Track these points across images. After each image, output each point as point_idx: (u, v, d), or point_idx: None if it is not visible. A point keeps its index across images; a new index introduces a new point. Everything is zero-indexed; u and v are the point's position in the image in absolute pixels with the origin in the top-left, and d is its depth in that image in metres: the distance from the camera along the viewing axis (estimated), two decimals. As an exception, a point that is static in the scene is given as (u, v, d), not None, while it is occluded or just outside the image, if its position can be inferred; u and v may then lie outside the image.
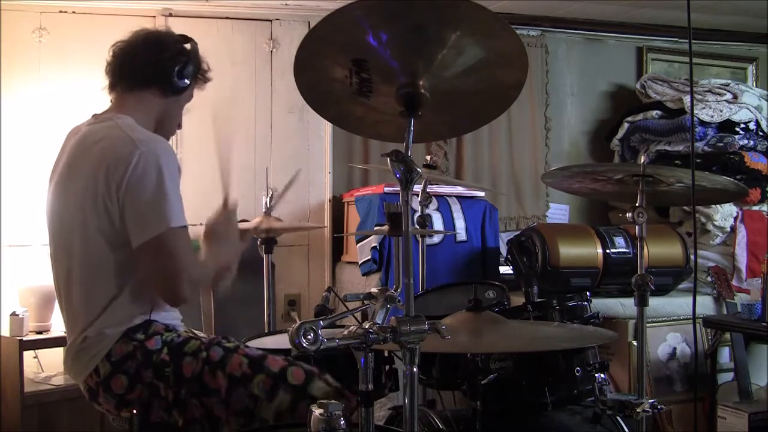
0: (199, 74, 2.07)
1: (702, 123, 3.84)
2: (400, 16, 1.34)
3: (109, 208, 1.81)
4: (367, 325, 1.21)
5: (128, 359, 1.82)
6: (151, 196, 1.79)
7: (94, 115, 2.00)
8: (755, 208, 3.88)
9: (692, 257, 3.44)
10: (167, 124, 2.07)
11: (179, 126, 2.12)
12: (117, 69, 1.99)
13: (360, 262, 3.54)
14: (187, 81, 2.01)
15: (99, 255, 1.85)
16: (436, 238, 3.48)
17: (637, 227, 2.06)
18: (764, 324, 3.09)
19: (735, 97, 3.97)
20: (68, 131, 2.05)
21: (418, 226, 2.67)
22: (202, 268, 1.94)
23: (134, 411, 1.82)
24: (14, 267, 3.27)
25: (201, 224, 2.14)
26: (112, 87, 2.00)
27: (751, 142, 3.89)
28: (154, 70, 1.97)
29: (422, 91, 1.40)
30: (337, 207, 3.94)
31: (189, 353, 1.84)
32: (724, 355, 3.48)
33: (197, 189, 3.65)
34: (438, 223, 3.48)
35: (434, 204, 3.47)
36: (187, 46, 2.02)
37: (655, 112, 4.07)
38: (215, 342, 1.89)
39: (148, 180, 1.79)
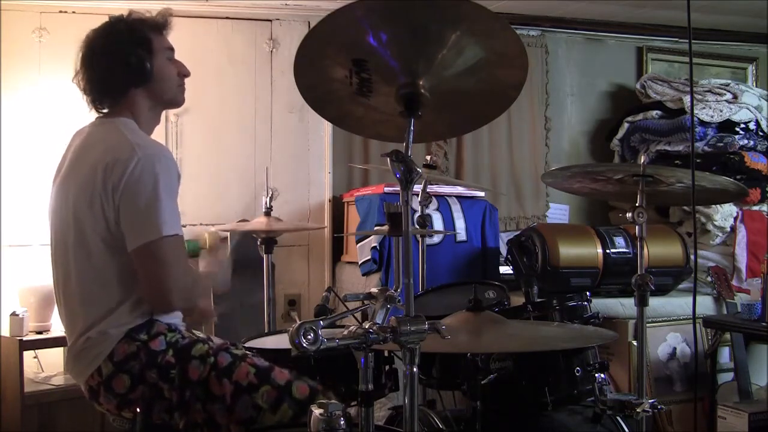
0: (150, 44, 1.96)
1: (702, 123, 3.84)
2: (400, 16, 1.34)
3: (105, 210, 1.82)
4: (367, 325, 1.21)
5: (131, 359, 1.82)
6: (146, 203, 1.79)
7: (98, 116, 2.00)
8: (755, 208, 3.88)
9: (692, 257, 3.44)
10: (166, 92, 2.01)
11: (184, 75, 2.05)
12: (94, 96, 1.97)
13: (360, 262, 3.54)
14: (148, 64, 1.94)
15: (97, 257, 1.85)
16: (436, 238, 3.48)
17: (637, 227, 2.06)
18: (764, 324, 3.09)
19: (735, 97, 3.97)
20: (74, 132, 2.05)
21: (418, 226, 2.67)
22: (194, 278, 1.95)
23: (137, 409, 1.82)
24: (14, 267, 3.27)
25: (200, 224, 2.15)
26: (98, 107, 2.00)
27: (751, 142, 3.89)
28: (122, 82, 1.95)
29: (422, 91, 1.40)
30: (337, 207, 3.94)
31: (196, 357, 1.84)
32: (724, 355, 3.48)
33: (196, 189, 3.67)
34: (438, 223, 3.48)
35: (434, 204, 3.47)
36: (120, 37, 1.93)
37: (655, 112, 4.07)
38: (223, 348, 1.90)
39: (144, 186, 1.79)
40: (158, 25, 2.00)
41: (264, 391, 1.81)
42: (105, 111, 1.99)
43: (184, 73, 2.05)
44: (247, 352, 1.96)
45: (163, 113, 2.12)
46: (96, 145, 1.90)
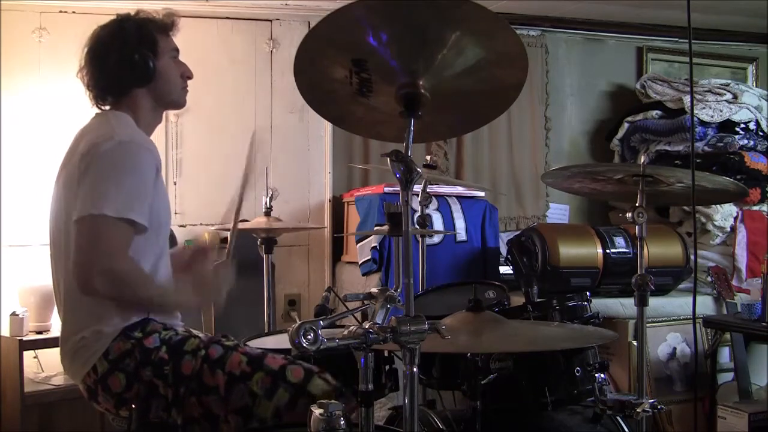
0: (156, 44, 1.96)
1: (702, 123, 3.84)
2: (400, 16, 1.34)
3: None
4: (367, 325, 1.21)
5: (126, 357, 1.81)
6: (100, 180, 1.76)
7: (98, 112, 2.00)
8: (755, 208, 3.88)
9: (692, 257, 3.44)
10: (168, 93, 2.01)
11: (188, 76, 2.05)
12: (96, 92, 1.97)
13: (360, 262, 3.54)
14: (152, 65, 1.94)
15: None
16: (436, 238, 3.48)
17: (637, 227, 2.06)
18: (764, 324, 3.09)
19: (735, 97, 3.97)
20: (76, 131, 2.05)
21: (418, 226, 2.67)
22: (134, 272, 1.80)
23: (133, 406, 1.81)
24: (14, 267, 3.27)
25: (200, 224, 2.13)
26: (100, 104, 1.99)
27: (751, 142, 3.89)
28: (125, 81, 1.94)
29: (422, 91, 1.40)
30: (337, 207, 3.94)
31: (188, 351, 1.83)
32: (724, 355, 3.48)
33: (196, 189, 3.67)
34: (438, 223, 3.48)
35: (434, 204, 3.47)
36: (127, 36, 1.93)
37: (655, 112, 4.08)
38: (214, 340, 1.89)
39: (106, 165, 1.77)
40: (165, 26, 2.00)
41: (258, 378, 1.80)
42: (106, 108, 1.99)
43: (187, 75, 2.05)
44: (238, 342, 1.94)
45: (164, 113, 2.12)
46: (84, 138, 1.90)
